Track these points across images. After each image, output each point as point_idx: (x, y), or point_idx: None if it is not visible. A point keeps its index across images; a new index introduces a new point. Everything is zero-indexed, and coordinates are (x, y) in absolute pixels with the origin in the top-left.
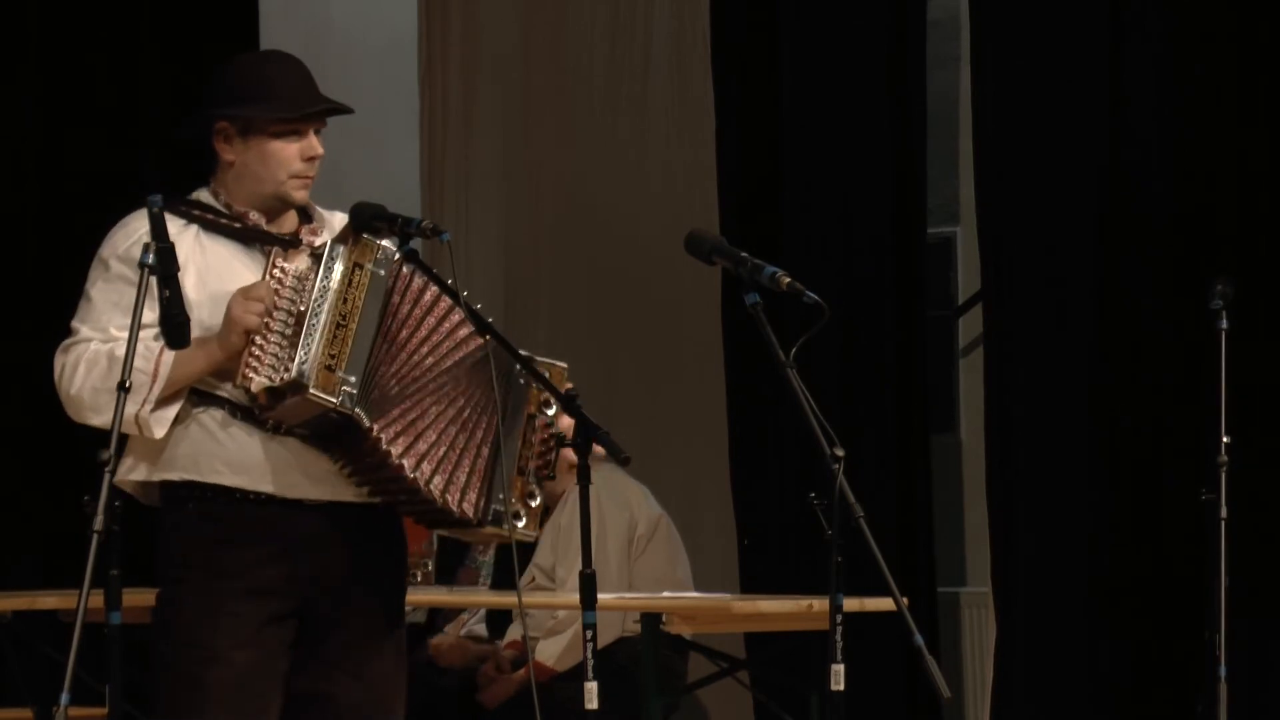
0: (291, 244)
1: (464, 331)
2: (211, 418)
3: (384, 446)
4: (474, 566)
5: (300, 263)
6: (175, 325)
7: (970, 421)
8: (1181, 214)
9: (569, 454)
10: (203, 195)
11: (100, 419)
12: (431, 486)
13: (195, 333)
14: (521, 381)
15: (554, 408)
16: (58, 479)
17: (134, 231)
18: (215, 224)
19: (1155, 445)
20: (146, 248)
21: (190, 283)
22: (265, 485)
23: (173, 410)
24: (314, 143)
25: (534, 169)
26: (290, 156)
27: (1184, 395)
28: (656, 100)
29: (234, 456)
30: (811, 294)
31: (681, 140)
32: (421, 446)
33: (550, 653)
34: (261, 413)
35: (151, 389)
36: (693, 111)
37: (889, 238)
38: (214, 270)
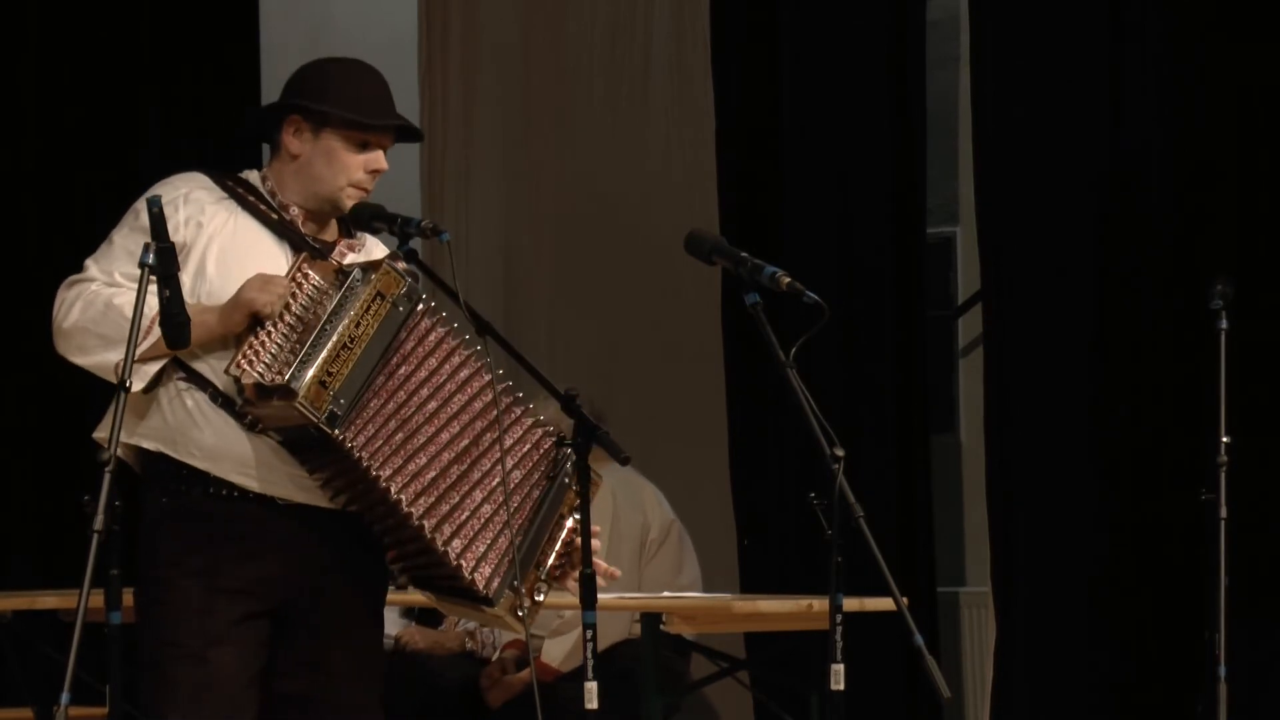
0: (322, 253)
1: (465, 373)
2: (194, 399)
3: (427, 533)
4: None
5: (324, 275)
6: (175, 325)
7: (970, 421)
8: (1181, 214)
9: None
10: (251, 176)
11: (83, 359)
12: (450, 548)
13: (202, 302)
14: (565, 481)
15: (578, 515)
16: (57, 478)
17: (177, 187)
18: (255, 207)
19: (1155, 445)
20: (147, 248)
21: (212, 253)
22: (235, 476)
23: (154, 367)
24: (380, 156)
25: (534, 169)
26: (355, 164)
27: (1184, 395)
28: (656, 100)
29: (209, 442)
30: (811, 294)
31: (681, 140)
32: (444, 508)
33: (556, 654)
34: (243, 406)
35: (141, 342)
36: (693, 111)
37: (889, 238)
38: (238, 247)
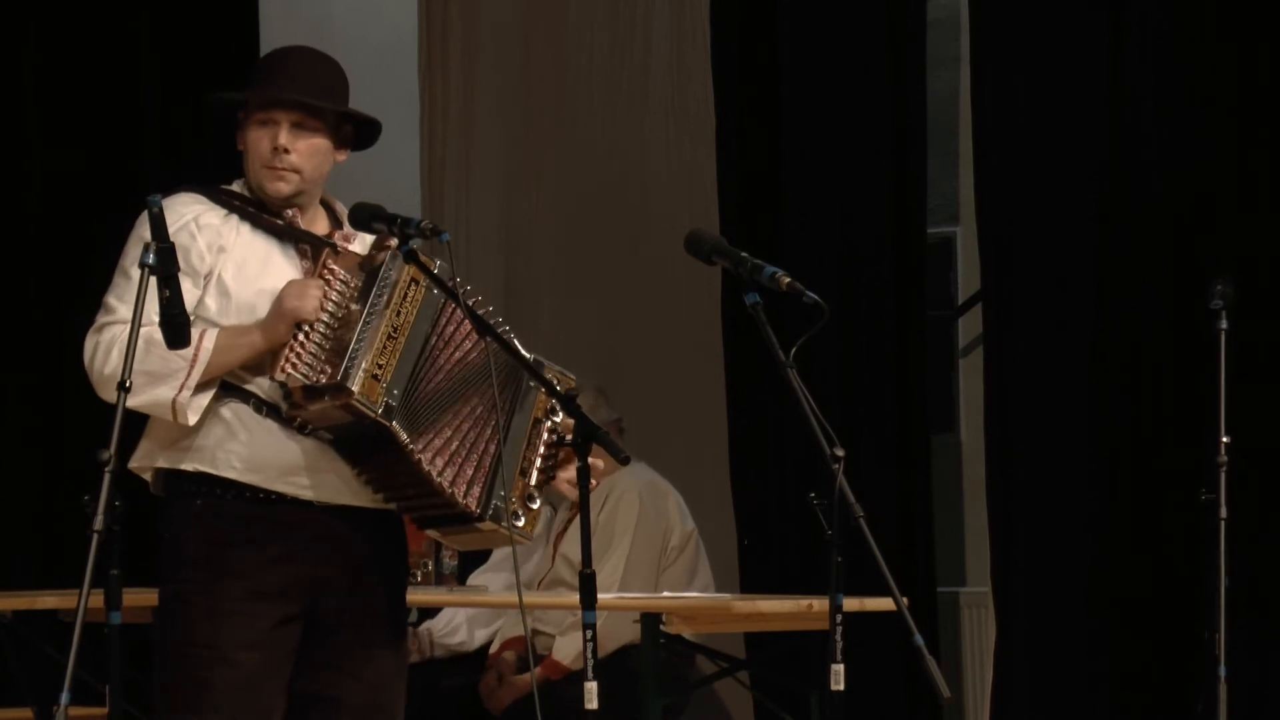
0: (334, 248)
1: (494, 347)
2: (234, 411)
3: (424, 467)
4: (448, 573)
5: (349, 269)
6: (175, 325)
7: (970, 421)
8: (1181, 213)
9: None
10: (236, 186)
11: (132, 400)
12: (442, 478)
13: (231, 321)
14: (531, 384)
15: (561, 414)
16: (58, 479)
17: (182, 213)
18: (256, 217)
19: (1155, 445)
20: (147, 248)
21: (229, 272)
22: (278, 485)
23: (207, 397)
24: (281, 133)
25: (534, 168)
26: (264, 146)
27: (1184, 395)
28: (656, 100)
29: (249, 453)
30: (811, 294)
31: (681, 140)
32: (437, 443)
33: (567, 652)
34: (291, 409)
35: (190, 374)
36: (693, 111)
37: (889, 238)
38: (252, 260)
